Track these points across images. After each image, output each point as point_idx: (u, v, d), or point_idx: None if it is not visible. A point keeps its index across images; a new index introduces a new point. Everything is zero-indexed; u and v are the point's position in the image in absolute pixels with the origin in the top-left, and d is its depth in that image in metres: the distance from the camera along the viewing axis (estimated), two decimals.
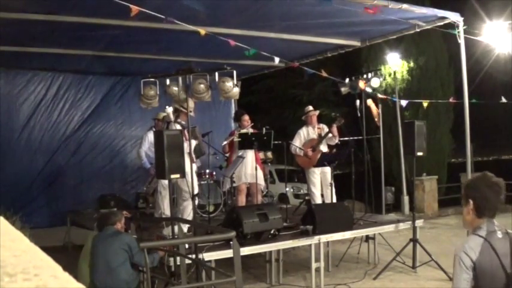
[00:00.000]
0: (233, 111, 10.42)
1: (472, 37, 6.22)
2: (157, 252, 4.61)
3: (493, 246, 2.23)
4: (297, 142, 7.49)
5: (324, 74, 6.73)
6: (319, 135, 7.47)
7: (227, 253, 4.78)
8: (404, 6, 5.62)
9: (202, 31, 5.23)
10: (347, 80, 8.05)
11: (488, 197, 2.30)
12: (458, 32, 5.95)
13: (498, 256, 2.21)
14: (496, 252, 2.22)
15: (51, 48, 7.27)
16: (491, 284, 2.20)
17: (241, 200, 6.98)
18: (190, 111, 5.78)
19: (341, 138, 7.72)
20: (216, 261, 5.06)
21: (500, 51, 7.14)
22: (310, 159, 7.35)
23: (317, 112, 7.66)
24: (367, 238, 6.91)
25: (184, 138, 5.08)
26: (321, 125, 7.61)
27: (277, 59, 6.20)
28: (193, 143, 6.23)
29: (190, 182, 5.41)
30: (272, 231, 5.53)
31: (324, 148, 7.47)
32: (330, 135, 7.35)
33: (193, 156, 6.29)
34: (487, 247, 2.22)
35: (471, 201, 2.33)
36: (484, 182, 2.36)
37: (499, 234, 2.28)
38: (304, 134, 7.55)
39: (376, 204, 9.21)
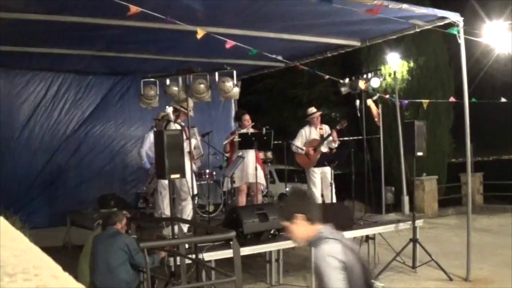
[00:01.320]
0: (233, 111, 10.42)
1: (471, 38, 6.22)
2: (157, 253, 4.61)
3: (346, 245, 2.34)
4: (298, 141, 7.50)
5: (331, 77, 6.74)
6: (321, 136, 7.48)
7: (227, 253, 4.78)
8: (404, 6, 5.62)
9: (202, 32, 5.22)
10: (347, 80, 8.05)
11: (309, 207, 2.45)
12: (459, 32, 5.94)
13: (354, 253, 2.34)
14: (351, 250, 2.34)
15: (51, 48, 7.26)
16: (356, 280, 2.29)
17: (242, 200, 6.98)
18: (190, 111, 5.78)
19: (341, 138, 7.73)
20: (216, 261, 5.06)
21: (500, 51, 7.15)
22: (310, 159, 7.35)
23: (320, 113, 7.66)
24: (367, 238, 6.91)
25: (184, 137, 5.07)
26: (324, 126, 7.61)
27: (279, 57, 6.21)
28: (193, 142, 6.23)
29: (190, 181, 5.41)
30: (272, 231, 5.54)
31: (324, 149, 7.47)
32: (331, 138, 7.37)
33: (194, 155, 6.30)
34: (344, 247, 2.31)
35: (299, 215, 2.40)
36: (297, 197, 2.57)
37: (337, 234, 2.41)
38: (306, 134, 7.56)
39: (376, 204, 9.21)
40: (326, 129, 7.57)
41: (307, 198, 2.61)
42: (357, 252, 2.41)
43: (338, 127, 7.41)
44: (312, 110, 7.69)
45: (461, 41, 5.99)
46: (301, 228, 2.42)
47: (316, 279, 2.43)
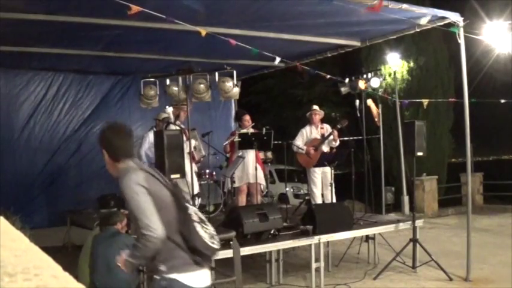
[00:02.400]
0: (233, 111, 10.42)
1: (472, 35, 6.22)
2: None
3: (151, 173, 2.57)
4: (299, 141, 7.51)
5: (327, 76, 6.73)
6: (322, 135, 7.49)
7: (227, 253, 4.78)
8: (404, 6, 5.62)
9: (203, 32, 5.23)
10: (347, 80, 8.05)
11: (115, 143, 2.62)
12: (459, 32, 5.94)
13: (159, 179, 2.59)
14: (156, 177, 2.58)
15: (51, 48, 7.26)
16: (165, 201, 2.53)
17: (242, 200, 6.98)
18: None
19: (341, 138, 7.73)
20: (216, 261, 5.06)
21: (500, 51, 7.14)
22: (311, 159, 7.36)
23: (321, 112, 7.66)
24: (367, 238, 6.91)
25: (184, 138, 5.08)
26: (324, 125, 7.62)
27: (278, 59, 6.20)
28: (193, 143, 6.24)
29: (190, 182, 5.41)
30: (272, 231, 5.53)
31: (325, 148, 7.48)
32: (331, 137, 7.38)
33: (195, 156, 6.30)
34: (148, 175, 2.54)
35: (105, 152, 2.64)
36: (110, 131, 2.69)
37: (144, 166, 2.70)
38: (307, 133, 7.56)
39: (376, 204, 9.20)
40: (327, 128, 7.58)
41: (117, 134, 2.66)
42: (168, 185, 2.63)
43: (339, 126, 7.42)
44: (314, 106, 7.75)
45: (461, 41, 5.99)
46: (108, 161, 2.66)
47: (128, 209, 2.58)
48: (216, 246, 2.60)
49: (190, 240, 2.53)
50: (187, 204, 2.63)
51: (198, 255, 2.55)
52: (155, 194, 2.49)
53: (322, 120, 7.73)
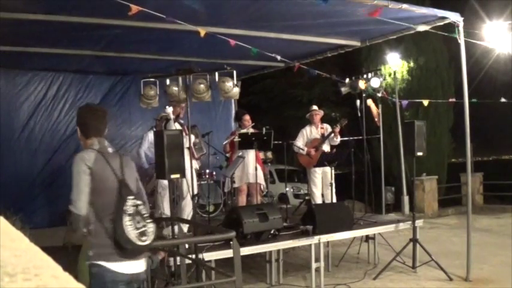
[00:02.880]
0: (233, 111, 10.41)
1: (471, 40, 6.22)
2: (157, 254, 4.61)
3: (105, 157, 2.84)
4: (300, 141, 7.51)
5: (331, 76, 6.74)
6: (322, 135, 7.49)
7: (227, 253, 4.78)
8: (404, 6, 5.62)
9: (203, 31, 5.23)
10: (347, 80, 8.05)
11: (88, 122, 2.93)
12: (458, 34, 5.94)
13: (110, 165, 2.83)
14: (107, 162, 2.83)
15: (51, 48, 7.26)
16: (106, 185, 2.77)
17: (242, 200, 6.98)
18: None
19: (341, 138, 7.73)
20: (216, 261, 5.06)
21: (500, 51, 7.14)
22: (311, 159, 7.36)
23: (321, 112, 7.68)
24: (367, 238, 6.91)
25: (184, 134, 5.07)
26: (324, 125, 7.62)
27: (278, 57, 6.20)
28: (193, 138, 6.24)
29: (190, 180, 5.41)
30: (272, 231, 5.53)
31: (326, 148, 7.48)
32: (332, 135, 7.38)
33: (195, 152, 6.29)
34: (100, 158, 2.81)
35: (78, 128, 3.00)
36: (85, 111, 3.05)
37: (110, 150, 2.94)
38: (307, 133, 7.57)
39: (376, 204, 9.20)
40: (327, 127, 7.58)
41: (91, 114, 2.99)
42: (118, 173, 2.85)
43: (339, 125, 7.43)
44: (313, 106, 7.75)
45: (461, 41, 5.99)
46: (80, 137, 3.01)
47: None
48: (142, 243, 2.69)
49: (114, 231, 2.69)
50: (130, 197, 2.76)
51: (118, 247, 2.69)
52: (97, 176, 2.75)
53: (322, 120, 7.73)
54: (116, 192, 2.76)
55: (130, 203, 2.74)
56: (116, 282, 2.75)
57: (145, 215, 2.78)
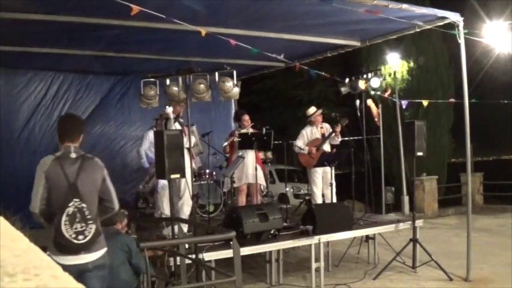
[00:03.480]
0: (233, 111, 10.41)
1: (472, 37, 6.22)
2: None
3: (61, 163, 3.18)
4: (300, 142, 7.50)
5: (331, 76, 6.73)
6: (323, 135, 7.49)
7: (227, 253, 4.78)
8: (404, 6, 5.62)
9: (203, 31, 5.23)
10: (347, 80, 8.05)
11: (61, 130, 3.32)
12: (459, 33, 5.94)
13: (63, 169, 3.16)
14: (62, 167, 3.17)
15: (51, 48, 7.26)
16: (57, 187, 3.14)
17: (242, 200, 6.98)
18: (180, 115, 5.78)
19: (341, 138, 7.73)
20: (216, 261, 5.06)
21: (500, 51, 7.14)
22: (312, 159, 7.36)
23: (320, 110, 7.66)
24: (367, 238, 6.91)
25: (183, 134, 5.07)
26: (324, 125, 7.62)
27: (281, 56, 6.19)
28: (192, 139, 6.24)
29: (190, 180, 5.41)
30: (272, 231, 5.53)
31: (326, 147, 7.48)
32: (333, 134, 7.38)
33: (194, 153, 6.30)
34: (56, 163, 3.17)
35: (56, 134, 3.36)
36: (61, 119, 3.55)
37: (73, 155, 3.25)
38: (308, 134, 7.56)
39: (376, 204, 9.21)
40: (327, 127, 7.58)
41: (64, 122, 3.43)
42: (69, 178, 3.16)
43: (340, 124, 7.42)
44: (312, 109, 7.68)
45: (461, 41, 5.99)
46: (58, 142, 3.35)
47: None
48: (77, 241, 3.08)
49: (54, 228, 3.10)
50: (75, 199, 3.12)
51: (55, 242, 3.10)
52: (50, 180, 3.14)
53: (322, 120, 7.73)
54: (65, 194, 3.13)
55: (73, 204, 3.11)
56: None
57: (87, 217, 3.14)
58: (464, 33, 5.99)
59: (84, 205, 3.13)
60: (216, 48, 7.04)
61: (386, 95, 8.63)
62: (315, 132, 7.54)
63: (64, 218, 3.07)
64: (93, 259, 3.18)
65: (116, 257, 4.15)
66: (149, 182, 7.45)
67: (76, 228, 3.08)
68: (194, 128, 6.40)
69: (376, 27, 6.82)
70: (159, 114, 6.58)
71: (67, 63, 8.32)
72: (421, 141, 6.47)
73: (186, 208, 6.12)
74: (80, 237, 3.09)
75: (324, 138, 7.45)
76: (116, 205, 3.40)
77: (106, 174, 3.40)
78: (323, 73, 7.07)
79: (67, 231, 3.07)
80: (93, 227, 3.14)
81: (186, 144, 5.77)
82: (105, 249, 3.30)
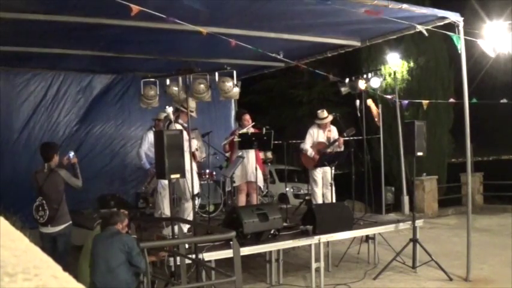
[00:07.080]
0: (233, 111, 10.42)
1: (471, 38, 6.22)
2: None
3: (35, 174, 5.29)
4: (308, 143, 7.49)
5: (331, 77, 6.72)
6: (328, 139, 7.47)
7: (227, 253, 4.78)
8: (404, 6, 5.62)
9: (204, 31, 5.23)
10: (347, 80, 8.05)
11: (40, 153, 5.30)
12: (458, 37, 5.94)
13: (36, 178, 5.24)
14: (35, 177, 5.34)
15: (51, 48, 7.26)
16: (34, 189, 5.23)
17: (242, 200, 6.98)
18: (192, 112, 5.78)
19: (341, 139, 7.72)
20: (216, 261, 5.06)
21: (500, 51, 7.13)
22: (314, 160, 7.37)
23: (331, 117, 7.53)
24: (367, 238, 6.91)
25: (186, 137, 5.07)
26: (332, 128, 7.58)
27: (280, 55, 6.18)
28: (195, 143, 6.23)
29: (190, 181, 5.40)
30: (272, 231, 5.53)
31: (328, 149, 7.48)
32: (337, 143, 7.38)
33: (197, 155, 6.30)
34: (33, 175, 5.22)
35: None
36: (40, 146, 5.53)
37: (45, 170, 5.29)
38: (315, 135, 7.55)
39: (376, 204, 9.21)
40: (334, 131, 7.55)
41: (40, 149, 5.59)
42: (39, 180, 5.26)
43: (345, 134, 7.42)
44: (324, 114, 7.54)
45: (462, 41, 5.99)
46: None
47: None
48: (40, 220, 5.21)
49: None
50: (39, 197, 5.23)
51: (34, 219, 5.29)
52: (31, 184, 5.32)
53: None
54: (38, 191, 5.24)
55: (38, 200, 5.21)
56: (42, 235, 5.26)
57: (45, 208, 5.17)
58: (464, 35, 5.99)
59: (44, 202, 5.20)
60: (216, 48, 7.04)
61: (390, 97, 8.62)
62: (321, 135, 7.53)
63: (34, 206, 5.24)
64: (55, 230, 5.26)
65: (116, 257, 4.15)
66: (150, 182, 7.46)
67: (39, 213, 5.20)
68: (197, 132, 6.40)
69: (376, 27, 6.82)
70: (162, 117, 6.58)
71: (67, 63, 8.32)
72: (421, 141, 6.47)
73: (189, 209, 6.11)
74: (41, 219, 5.21)
75: (328, 144, 7.45)
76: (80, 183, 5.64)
77: (65, 175, 5.40)
78: (322, 73, 7.06)
79: (35, 214, 5.23)
80: (47, 214, 5.17)
81: (192, 148, 5.79)
82: (67, 223, 5.35)
